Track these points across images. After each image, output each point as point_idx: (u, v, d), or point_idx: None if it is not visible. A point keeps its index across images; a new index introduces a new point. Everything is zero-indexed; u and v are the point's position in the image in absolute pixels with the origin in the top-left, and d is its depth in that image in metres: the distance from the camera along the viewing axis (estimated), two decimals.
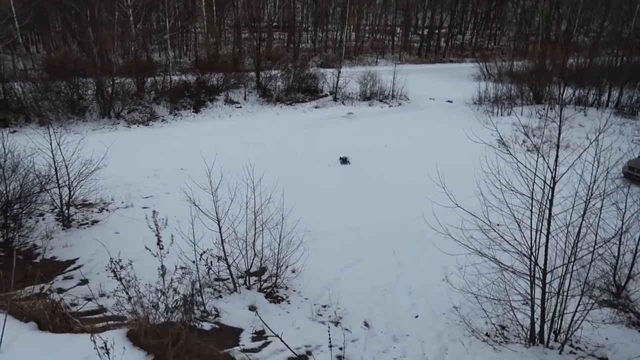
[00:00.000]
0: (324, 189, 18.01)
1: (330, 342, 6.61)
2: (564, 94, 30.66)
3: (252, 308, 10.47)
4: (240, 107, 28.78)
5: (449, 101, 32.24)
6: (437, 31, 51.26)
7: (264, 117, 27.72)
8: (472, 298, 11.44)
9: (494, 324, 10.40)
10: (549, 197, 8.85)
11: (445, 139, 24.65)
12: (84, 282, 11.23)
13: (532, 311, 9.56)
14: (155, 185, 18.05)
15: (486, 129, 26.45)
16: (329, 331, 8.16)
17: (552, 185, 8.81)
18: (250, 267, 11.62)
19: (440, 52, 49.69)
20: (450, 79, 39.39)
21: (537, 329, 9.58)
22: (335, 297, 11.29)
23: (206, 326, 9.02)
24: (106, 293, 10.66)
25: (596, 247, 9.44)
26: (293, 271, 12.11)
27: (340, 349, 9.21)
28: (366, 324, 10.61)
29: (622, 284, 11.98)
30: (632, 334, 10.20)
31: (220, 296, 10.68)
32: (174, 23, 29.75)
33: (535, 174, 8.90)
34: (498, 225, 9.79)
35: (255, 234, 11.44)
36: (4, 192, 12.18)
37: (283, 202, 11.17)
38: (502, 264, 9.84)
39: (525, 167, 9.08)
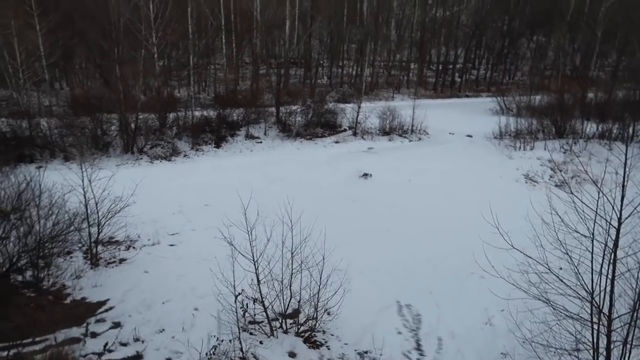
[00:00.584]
0: (351, 225, 17.62)
1: None
2: (587, 128, 30.35)
3: (292, 354, 10.01)
4: (261, 142, 28.80)
5: (468, 136, 32.01)
6: (451, 66, 51.65)
7: (284, 152, 27.64)
8: (522, 345, 10.89)
9: None
10: (614, 239, 8.41)
11: (469, 174, 24.28)
12: (117, 325, 10.85)
13: None
14: (181, 221, 17.80)
15: (510, 163, 26.28)
16: None
17: (617, 227, 8.38)
18: (287, 309, 11.20)
19: (455, 87, 49.89)
20: (467, 114, 39.29)
21: None
22: (376, 342, 10.78)
23: None
24: (141, 337, 10.27)
25: None
26: (329, 313, 11.64)
27: None
28: None
29: None
30: None
31: (261, 342, 10.21)
32: (196, 60, 30.18)
33: (596, 213, 8.50)
34: (560, 268, 9.33)
35: (291, 275, 11.07)
36: (39, 231, 11.98)
37: (325, 241, 10.82)
38: (556, 306, 9.34)
39: (587, 205, 8.66)
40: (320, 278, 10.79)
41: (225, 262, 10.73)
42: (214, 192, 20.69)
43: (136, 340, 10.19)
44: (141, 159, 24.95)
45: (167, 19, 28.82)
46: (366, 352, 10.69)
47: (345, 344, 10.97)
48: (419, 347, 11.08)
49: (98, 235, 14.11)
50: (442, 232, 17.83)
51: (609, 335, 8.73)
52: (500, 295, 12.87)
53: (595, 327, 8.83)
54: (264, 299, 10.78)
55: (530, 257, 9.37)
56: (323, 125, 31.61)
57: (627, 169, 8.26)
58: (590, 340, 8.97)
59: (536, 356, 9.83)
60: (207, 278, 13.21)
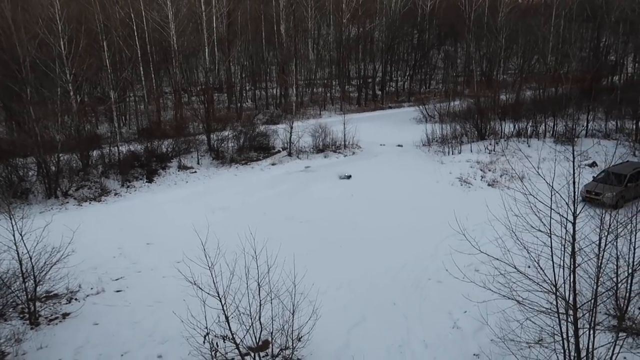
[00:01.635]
0: (304, 247, 17.39)
1: None
2: (505, 129, 32.44)
3: None
4: (195, 171, 27.89)
5: (399, 145, 33.07)
6: (370, 80, 53.39)
7: (222, 180, 26.95)
8: (489, 343, 11.21)
9: None
10: (572, 233, 8.89)
11: (408, 182, 24.99)
12: None
13: (565, 350, 9.39)
14: (124, 264, 16.68)
15: (443, 168, 27.39)
16: None
17: (573, 221, 8.88)
18: (259, 342, 10.73)
19: (377, 100, 51.56)
20: (393, 124, 40.66)
21: None
22: None
23: None
24: None
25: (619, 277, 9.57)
26: (299, 340, 11.32)
27: None
28: None
29: (624, 306, 12.23)
30: None
31: None
32: (115, 94, 28.80)
33: (551, 209, 8.96)
34: (528, 267, 9.69)
35: (260, 305, 10.65)
36: None
37: (294, 268, 10.55)
38: (524, 302, 9.70)
39: (542, 202, 9.11)
40: (293, 304, 10.46)
41: (182, 302, 10.16)
42: (155, 229, 19.69)
43: None
44: (67, 202, 23.21)
45: (80, 54, 27.35)
46: None
47: None
48: None
49: (35, 291, 12.83)
50: (393, 242, 18.11)
51: (575, 324, 9.18)
52: (460, 297, 13.28)
53: (563, 317, 9.25)
54: (234, 335, 10.26)
55: (497, 259, 9.68)
56: (257, 149, 31.27)
57: (575, 167, 8.79)
58: (559, 330, 9.39)
59: (508, 352, 10.11)
60: (165, 321, 12.51)
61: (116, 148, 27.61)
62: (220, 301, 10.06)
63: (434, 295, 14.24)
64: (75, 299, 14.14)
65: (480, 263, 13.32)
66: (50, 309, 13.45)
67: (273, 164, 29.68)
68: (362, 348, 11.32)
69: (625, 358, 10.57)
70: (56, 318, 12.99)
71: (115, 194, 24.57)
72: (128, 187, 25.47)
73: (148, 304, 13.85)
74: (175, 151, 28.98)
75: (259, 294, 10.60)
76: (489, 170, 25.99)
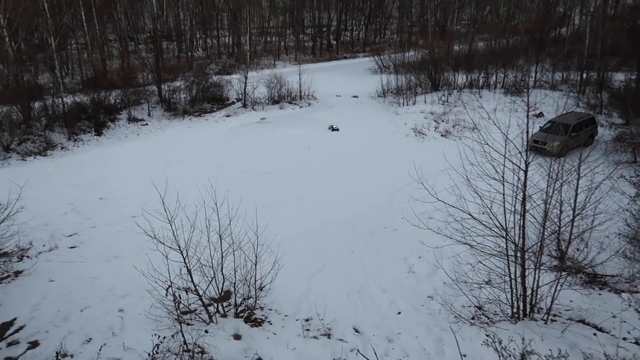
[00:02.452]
0: (262, 199, 17.40)
1: None
2: (458, 80, 32.95)
3: (237, 337, 9.79)
4: (147, 124, 26.93)
5: (354, 96, 33.05)
6: (325, 29, 52.36)
7: (175, 132, 26.21)
8: (442, 286, 11.82)
9: (475, 306, 10.79)
10: (524, 180, 9.32)
11: (364, 134, 25.21)
12: (34, 344, 9.69)
13: (512, 289, 10.06)
14: (77, 220, 16.19)
15: (398, 119, 27.73)
16: None
17: (525, 169, 9.29)
18: (222, 292, 10.88)
19: (332, 50, 50.82)
20: (349, 75, 40.43)
21: (520, 305, 10.10)
22: (315, 309, 10.96)
23: None
24: (68, 352, 9.31)
25: (562, 221, 10.19)
26: (261, 289, 11.54)
27: None
28: (356, 330, 10.44)
29: (564, 248, 13.11)
30: (591, 294, 11.20)
31: (207, 331, 9.82)
32: (55, 41, 26.87)
33: (505, 158, 9.32)
34: (482, 213, 10.10)
35: (222, 257, 10.72)
36: None
37: (256, 219, 10.58)
38: (477, 246, 10.22)
39: (496, 151, 9.43)
40: (255, 255, 10.58)
41: (141, 256, 10.09)
42: (107, 183, 19.11)
43: (64, 356, 9.21)
44: (10, 157, 22.01)
45: None
46: (307, 321, 10.83)
47: (286, 315, 11.01)
48: (356, 306, 11.48)
49: None
50: (351, 192, 18.42)
51: (522, 265, 9.81)
52: (415, 243, 13.85)
53: (512, 259, 9.85)
54: (196, 287, 10.33)
55: (452, 206, 10.03)
56: (210, 100, 30.46)
57: (529, 117, 9.10)
58: (507, 271, 10.01)
59: (460, 293, 10.70)
60: (125, 276, 12.39)
61: (60, 99, 26.12)
62: (182, 254, 10.04)
63: (390, 243, 14.74)
64: (27, 257, 13.69)
65: (435, 210, 13.74)
66: (1, 267, 12.99)
67: (228, 116, 29.08)
68: (322, 294, 11.67)
69: (566, 299, 11.39)
70: (8, 276, 12.58)
71: (62, 148, 23.48)
72: (75, 140, 24.37)
73: (106, 259, 13.62)
74: (125, 103, 27.80)
75: (221, 246, 10.65)
76: (442, 121, 26.54)
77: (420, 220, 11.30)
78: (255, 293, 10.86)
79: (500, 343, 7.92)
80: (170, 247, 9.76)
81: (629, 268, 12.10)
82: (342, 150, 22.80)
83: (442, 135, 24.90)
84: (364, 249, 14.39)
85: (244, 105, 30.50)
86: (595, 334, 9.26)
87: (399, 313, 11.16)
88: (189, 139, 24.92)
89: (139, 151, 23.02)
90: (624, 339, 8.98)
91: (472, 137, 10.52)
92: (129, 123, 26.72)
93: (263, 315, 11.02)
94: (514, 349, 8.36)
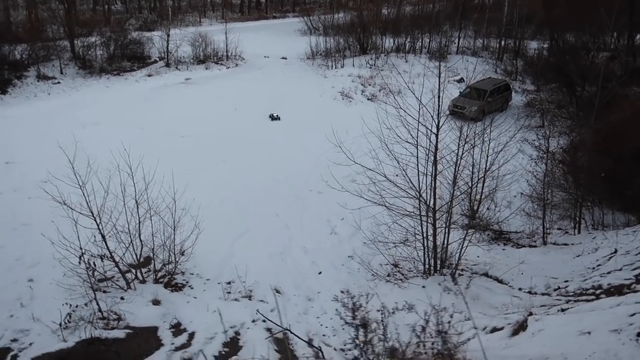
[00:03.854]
0: (186, 163, 16.98)
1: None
2: (385, 44, 33.30)
3: (156, 302, 9.68)
4: (59, 82, 25.05)
5: (283, 58, 32.53)
6: None
7: (91, 92, 24.60)
8: (361, 246, 12.25)
9: (391, 264, 11.34)
10: (435, 143, 9.74)
11: (292, 97, 25.00)
12: None
13: (424, 247, 10.67)
14: None
15: (326, 82, 27.75)
16: None
17: (436, 133, 9.68)
18: (140, 258, 10.65)
19: (261, 9, 49.42)
20: (278, 36, 39.59)
21: (431, 261, 10.75)
22: (237, 272, 11.03)
23: (119, 333, 8.08)
24: None
25: (473, 182, 10.82)
26: (183, 254, 11.42)
27: (264, 321, 9.13)
28: (277, 291, 10.67)
29: (476, 208, 14.02)
30: (496, 248, 12.13)
31: (122, 297, 9.60)
32: None
33: (418, 122, 9.67)
34: (396, 175, 10.46)
35: (139, 223, 10.44)
36: None
37: (174, 184, 10.32)
38: (392, 208, 10.66)
39: (411, 116, 9.75)
40: (173, 220, 10.40)
41: (52, 223, 9.61)
42: (14, 146, 17.78)
43: None
44: None
45: None
46: (229, 284, 10.91)
47: (208, 279, 11.02)
48: (278, 268, 11.69)
49: None
50: (277, 156, 18.42)
51: (434, 224, 10.39)
52: (337, 205, 14.17)
53: (424, 219, 10.39)
54: (112, 254, 10.03)
55: (369, 169, 10.33)
56: (130, 58, 28.79)
57: (441, 82, 9.43)
58: (420, 230, 10.57)
59: (378, 252, 11.19)
60: (34, 245, 11.76)
61: None
62: (95, 220, 9.67)
63: (314, 205, 15.01)
64: None
65: (357, 174, 14.17)
66: None
67: (149, 75, 27.70)
68: (245, 257, 11.73)
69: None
70: None
71: None
72: None
73: (13, 227, 12.83)
74: (33, 58, 25.62)
75: (138, 212, 10.36)
76: (369, 85, 26.90)
77: (340, 184, 11.49)
78: (175, 258, 10.72)
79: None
80: (80, 213, 9.36)
81: (529, 224, 13.17)
82: (269, 113, 22.55)
83: (368, 99, 25.29)
84: (288, 212, 14.56)
85: (167, 65, 29.16)
86: (496, 286, 10.10)
87: (320, 273, 11.52)
88: (107, 100, 23.55)
89: (51, 112, 21.47)
90: (520, 289, 9.87)
91: (389, 102, 10.77)
92: (38, 81, 24.73)
93: (184, 280, 10.95)
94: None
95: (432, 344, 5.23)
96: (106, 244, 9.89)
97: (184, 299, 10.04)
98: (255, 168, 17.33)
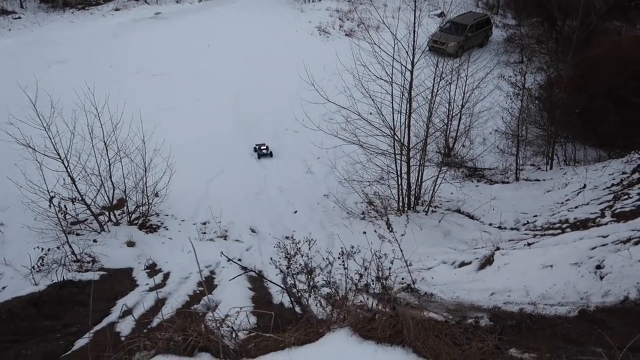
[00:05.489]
0: (158, 102, 16.49)
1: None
2: None
3: (131, 244, 9.67)
4: (20, 17, 23.59)
5: None
6: None
7: (55, 28, 23.25)
8: (336, 184, 12.27)
9: (366, 202, 11.44)
10: (410, 80, 9.54)
11: (268, 32, 24.05)
12: None
13: (399, 185, 10.73)
14: None
15: (303, 17, 26.72)
16: None
17: (411, 69, 9.46)
18: (112, 201, 10.53)
19: None
20: None
21: (405, 199, 10.87)
22: (212, 212, 11.01)
23: (92, 276, 8.09)
24: None
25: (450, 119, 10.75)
26: (157, 195, 11.32)
27: (239, 260, 9.24)
28: (253, 230, 10.74)
29: (452, 145, 14.05)
30: (470, 185, 12.27)
31: (95, 240, 9.55)
32: None
33: (393, 59, 9.42)
34: (370, 113, 10.31)
35: (110, 165, 10.23)
36: None
37: (142, 124, 10.03)
38: (367, 146, 10.62)
39: (386, 52, 9.47)
40: (144, 161, 10.21)
41: (22, 167, 9.34)
42: None
43: None
44: None
45: None
46: (204, 224, 10.92)
47: (183, 220, 11.01)
48: (254, 208, 11.70)
49: None
50: (253, 95, 17.96)
51: (408, 162, 10.41)
52: (315, 144, 14.06)
53: (398, 157, 10.38)
54: (84, 196, 9.88)
55: (343, 107, 10.15)
56: None
57: (416, 15, 9.10)
58: (395, 168, 10.59)
59: (352, 191, 11.25)
60: (3, 188, 11.47)
61: None
62: (63, 163, 9.44)
63: (290, 144, 14.87)
64: None
65: (333, 113, 13.97)
66: None
67: (117, 10, 26.24)
68: (220, 197, 11.68)
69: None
70: None
71: None
72: None
73: None
74: None
75: (107, 154, 10.13)
76: (348, 20, 26.01)
77: (314, 123, 11.33)
78: (148, 200, 10.63)
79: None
80: (46, 156, 9.12)
81: (502, 161, 13.31)
82: (245, 49, 21.75)
83: (346, 35, 24.52)
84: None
85: None
86: (467, 222, 10.31)
87: (295, 212, 11.58)
88: (73, 37, 22.31)
89: (12, 49, 20.34)
90: (490, 224, 10.09)
91: (364, 38, 10.42)
92: None
93: (159, 221, 10.93)
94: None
95: (374, 289, 5.38)
96: (76, 187, 9.72)
97: (159, 240, 10.05)
98: (231, 107, 16.95)
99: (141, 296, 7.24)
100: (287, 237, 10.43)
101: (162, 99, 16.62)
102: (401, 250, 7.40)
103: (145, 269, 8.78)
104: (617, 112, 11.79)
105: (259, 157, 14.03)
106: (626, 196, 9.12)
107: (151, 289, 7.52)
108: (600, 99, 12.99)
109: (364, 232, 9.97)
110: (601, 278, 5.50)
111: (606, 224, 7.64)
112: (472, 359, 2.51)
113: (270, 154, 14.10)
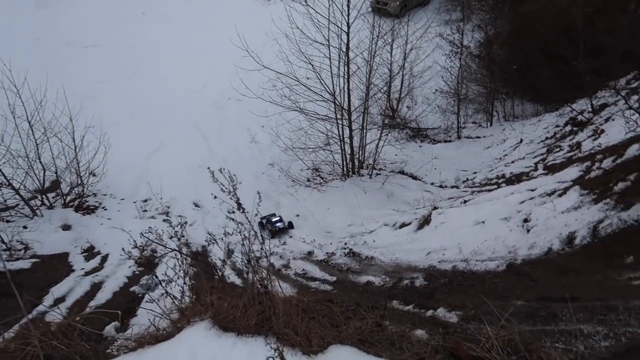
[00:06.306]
0: (92, 76, 15.67)
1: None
2: None
3: (66, 227, 9.26)
4: None
5: None
6: None
7: None
8: (280, 153, 12.10)
9: (311, 169, 11.36)
10: (346, 42, 9.36)
11: None
12: None
13: (342, 150, 10.69)
14: None
15: None
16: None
17: (347, 31, 9.26)
18: (44, 184, 10.00)
19: None
20: None
21: (350, 163, 10.85)
22: (153, 189, 10.66)
23: (23, 264, 7.72)
24: None
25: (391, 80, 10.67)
26: (94, 175, 10.86)
27: (183, 235, 9.00)
28: (196, 205, 10.51)
29: (395, 107, 14.07)
30: (413, 146, 12.39)
31: (25, 226, 9.08)
32: None
33: (329, 20, 9.18)
34: (307, 78, 10.10)
35: (37, 146, 9.66)
36: None
37: (66, 100, 9.46)
38: (308, 112, 10.47)
39: (321, 14, 9.22)
40: (74, 141, 9.70)
41: None
42: None
43: None
44: None
45: None
46: (145, 201, 10.59)
47: (122, 199, 10.64)
48: (197, 182, 11.40)
49: None
50: (192, 64, 17.27)
51: (350, 126, 10.34)
52: (257, 113, 13.76)
53: (340, 122, 10.30)
54: (10, 181, 9.32)
55: (280, 73, 9.90)
56: None
57: None
58: (337, 133, 10.52)
59: (296, 158, 11.14)
60: None
61: None
62: None
63: (233, 114, 14.48)
64: None
65: (277, 80, 13.65)
66: None
67: None
68: (161, 173, 11.31)
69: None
70: None
71: None
72: None
73: None
74: None
75: (33, 134, 9.55)
76: None
77: (252, 91, 11.05)
78: (82, 180, 10.16)
79: None
80: None
81: (445, 120, 13.47)
82: (183, 16, 20.81)
83: None
84: (206, 123, 14.02)
85: None
86: (410, 182, 10.44)
87: (240, 183, 11.34)
88: None
89: None
90: (432, 183, 10.26)
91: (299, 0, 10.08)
92: None
93: (97, 202, 10.51)
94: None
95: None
96: (1, 171, 9.15)
97: (97, 221, 9.69)
98: (170, 78, 16.24)
99: (75, 282, 6.98)
100: (229, 212, 10.32)
101: (95, 72, 15.79)
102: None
103: (82, 253, 8.46)
104: (551, 67, 12.08)
105: (272, 236, 9.23)
106: (558, 148, 9.43)
107: (87, 274, 7.27)
108: (535, 54, 13.25)
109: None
110: (528, 231, 5.69)
111: (537, 177, 7.88)
112: (349, 339, 2.45)
113: (290, 226, 9.47)
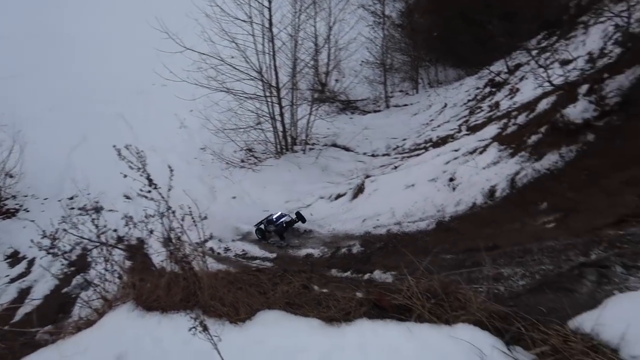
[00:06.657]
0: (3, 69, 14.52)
1: None
2: None
3: None
4: None
5: None
6: None
7: None
8: (211, 136, 11.84)
9: (244, 150, 11.20)
10: (269, 18, 9.21)
11: None
12: None
13: (274, 127, 10.61)
14: None
15: None
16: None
17: (269, 6, 9.11)
18: None
19: None
20: None
21: (282, 141, 10.80)
22: (78, 185, 10.12)
23: None
24: None
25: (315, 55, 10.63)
26: (11, 176, 10.16)
27: (115, 230, 8.67)
28: (127, 197, 10.13)
29: (324, 81, 14.11)
30: (344, 118, 12.52)
31: None
32: None
33: None
34: (232, 57, 9.88)
35: None
36: None
37: None
38: (236, 92, 10.28)
39: None
40: None
41: None
42: None
43: None
44: None
45: None
46: (71, 199, 10.06)
47: (46, 198, 10.05)
48: (126, 173, 10.95)
49: None
50: (112, 49, 16.45)
51: (279, 103, 10.28)
52: (184, 97, 13.36)
53: (269, 100, 10.20)
54: None
55: (204, 54, 9.63)
56: None
57: None
58: (268, 111, 10.43)
59: (229, 140, 10.95)
60: None
61: None
62: None
63: (159, 100, 13.96)
64: None
65: (201, 61, 13.26)
66: None
67: None
68: (87, 167, 10.78)
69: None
70: None
71: None
72: None
73: None
74: None
75: None
76: None
77: (175, 75, 10.67)
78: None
79: None
80: None
81: (373, 91, 13.70)
82: (96, 1, 19.66)
83: None
84: (131, 110, 13.44)
85: None
86: (343, 154, 10.58)
87: (172, 171, 11.03)
88: None
89: None
90: (364, 153, 10.46)
91: None
92: None
93: (17, 204, 9.85)
94: None
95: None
96: None
97: (19, 224, 9.11)
98: (88, 66, 15.41)
99: (1, 290, 6.57)
100: (141, 190, 9.99)
101: (6, 65, 14.64)
102: None
103: (5, 260, 7.95)
104: (470, 32, 12.52)
105: (282, 237, 7.22)
106: (479, 109, 9.87)
107: (12, 280, 6.86)
108: (455, 21, 13.66)
109: None
110: (454, 189, 5.95)
111: (461, 138, 8.23)
112: (276, 303, 2.51)
113: (300, 217, 7.34)
